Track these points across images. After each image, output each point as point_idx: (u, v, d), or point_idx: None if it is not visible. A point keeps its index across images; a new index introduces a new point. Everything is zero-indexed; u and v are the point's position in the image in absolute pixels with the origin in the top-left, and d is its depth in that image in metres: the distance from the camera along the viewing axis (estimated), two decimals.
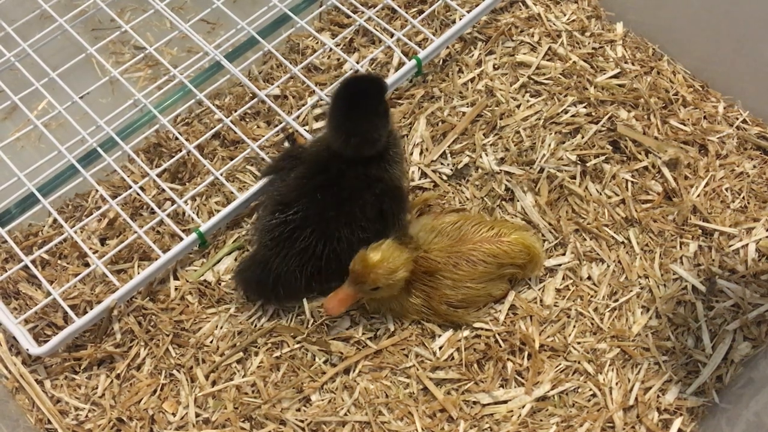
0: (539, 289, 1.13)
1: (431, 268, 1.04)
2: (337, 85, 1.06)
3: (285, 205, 1.05)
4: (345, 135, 1.03)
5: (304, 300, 1.11)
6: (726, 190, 1.22)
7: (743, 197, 1.22)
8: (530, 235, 1.11)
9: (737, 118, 1.30)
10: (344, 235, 1.04)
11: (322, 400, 1.06)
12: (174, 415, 1.06)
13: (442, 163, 1.24)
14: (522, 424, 1.03)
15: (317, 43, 1.40)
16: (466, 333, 1.09)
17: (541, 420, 1.03)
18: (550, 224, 1.18)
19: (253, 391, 1.07)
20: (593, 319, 1.11)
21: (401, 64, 1.31)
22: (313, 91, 1.29)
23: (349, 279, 1.00)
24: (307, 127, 1.26)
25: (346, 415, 1.04)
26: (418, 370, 1.06)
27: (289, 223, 1.04)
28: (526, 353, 1.08)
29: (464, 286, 1.05)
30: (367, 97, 1.03)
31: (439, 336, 1.09)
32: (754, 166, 1.25)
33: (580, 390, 1.06)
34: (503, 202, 1.21)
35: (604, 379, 1.06)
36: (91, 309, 1.09)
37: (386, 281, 0.99)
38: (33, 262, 1.14)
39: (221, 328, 1.12)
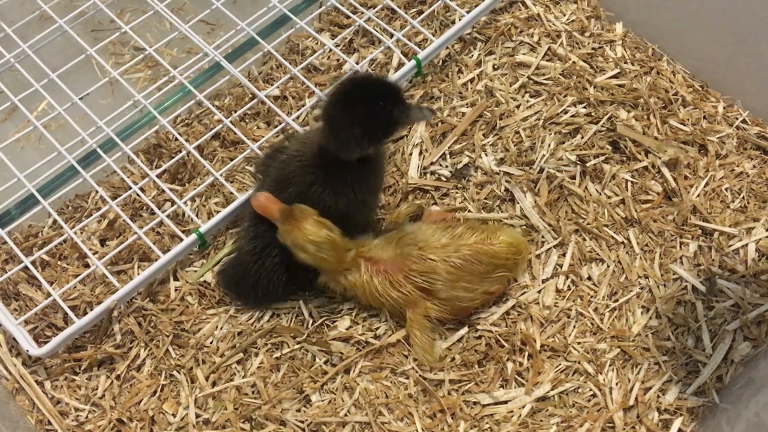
0: (539, 290, 1.13)
1: (426, 267, 1.04)
2: (356, 77, 1.05)
3: (258, 220, 1.06)
4: (338, 127, 0.99)
5: (301, 301, 1.11)
6: (726, 190, 1.22)
7: (743, 197, 1.22)
8: (517, 232, 1.12)
9: (737, 118, 1.30)
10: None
11: (323, 400, 1.06)
12: (174, 415, 1.06)
13: (441, 164, 1.24)
14: (522, 425, 1.03)
15: (317, 43, 1.40)
16: (467, 333, 1.09)
17: (541, 420, 1.03)
18: (549, 225, 1.18)
19: (253, 392, 1.07)
20: (593, 319, 1.11)
21: (401, 64, 1.31)
22: (313, 91, 1.29)
23: (280, 212, 1.01)
24: (307, 128, 1.26)
25: (346, 415, 1.04)
26: (417, 371, 1.06)
27: (262, 238, 1.07)
28: (526, 353, 1.08)
29: (460, 286, 1.05)
30: (383, 100, 0.98)
31: (440, 337, 1.09)
32: (754, 166, 1.25)
33: (580, 390, 1.06)
34: (503, 203, 1.21)
35: (604, 379, 1.06)
36: (91, 310, 1.09)
37: (295, 238, 1.00)
38: (33, 263, 1.14)
39: (221, 328, 1.12)
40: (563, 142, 1.25)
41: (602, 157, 1.24)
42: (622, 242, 1.17)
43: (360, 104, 0.97)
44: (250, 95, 1.33)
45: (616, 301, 1.13)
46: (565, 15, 1.42)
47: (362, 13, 1.40)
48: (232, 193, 1.19)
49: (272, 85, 1.33)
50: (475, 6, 1.35)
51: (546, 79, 1.32)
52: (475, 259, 1.04)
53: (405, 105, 0.99)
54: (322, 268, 1.05)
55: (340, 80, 1.04)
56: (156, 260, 1.13)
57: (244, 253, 1.10)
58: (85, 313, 1.10)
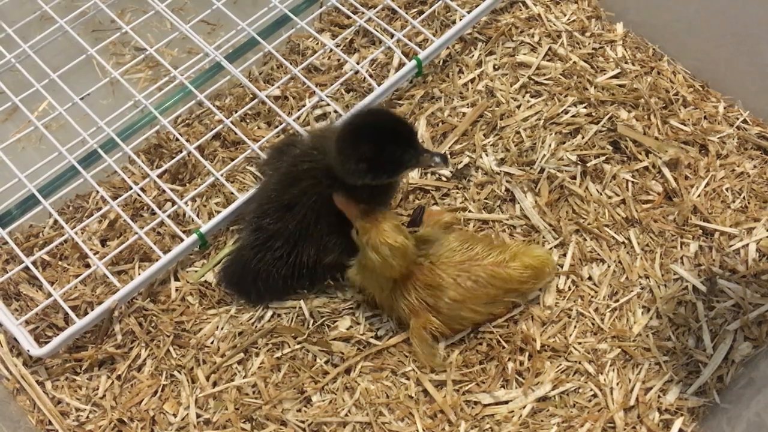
0: (540, 290, 1.13)
1: (434, 282, 1.02)
2: (375, 111, 1.05)
3: (262, 213, 1.08)
4: (345, 157, 0.98)
5: (302, 301, 1.11)
6: (726, 190, 1.22)
7: (744, 197, 1.22)
8: (533, 248, 1.08)
9: (737, 118, 1.30)
10: (310, 254, 1.07)
11: (323, 400, 1.06)
12: (175, 416, 1.06)
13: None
14: (523, 425, 1.03)
15: (317, 43, 1.40)
16: (468, 333, 1.09)
17: (541, 420, 1.03)
18: (550, 225, 1.18)
19: (253, 392, 1.07)
20: (594, 319, 1.11)
21: (401, 64, 1.31)
22: (314, 92, 1.29)
23: (361, 210, 1.01)
24: (308, 128, 1.26)
25: (347, 415, 1.04)
26: (417, 372, 1.06)
27: (264, 231, 1.07)
28: (527, 353, 1.08)
29: (466, 307, 1.04)
30: (395, 142, 0.97)
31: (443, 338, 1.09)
32: (755, 166, 1.25)
33: (580, 390, 1.06)
34: (503, 203, 1.21)
35: (604, 380, 1.06)
36: (92, 310, 1.09)
37: (372, 238, 0.98)
38: (34, 263, 1.14)
39: (222, 328, 1.12)
40: (564, 142, 1.25)
41: (603, 157, 1.24)
42: (623, 242, 1.17)
43: (370, 142, 0.97)
44: (251, 95, 1.33)
45: (617, 301, 1.13)
46: (565, 15, 1.42)
47: (363, 13, 1.40)
48: (232, 193, 1.19)
49: (273, 85, 1.33)
50: (476, 6, 1.35)
51: (546, 79, 1.32)
52: (488, 282, 1.03)
53: (417, 150, 0.98)
54: (385, 273, 1.02)
55: (360, 110, 1.04)
56: (157, 260, 1.13)
57: (244, 247, 1.10)
58: (86, 313, 1.10)
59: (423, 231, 1.09)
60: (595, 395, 1.06)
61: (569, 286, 1.14)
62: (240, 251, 1.12)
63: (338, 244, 1.07)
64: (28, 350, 1.06)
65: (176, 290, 1.15)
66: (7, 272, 1.14)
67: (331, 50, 1.36)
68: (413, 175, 1.23)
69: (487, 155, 1.25)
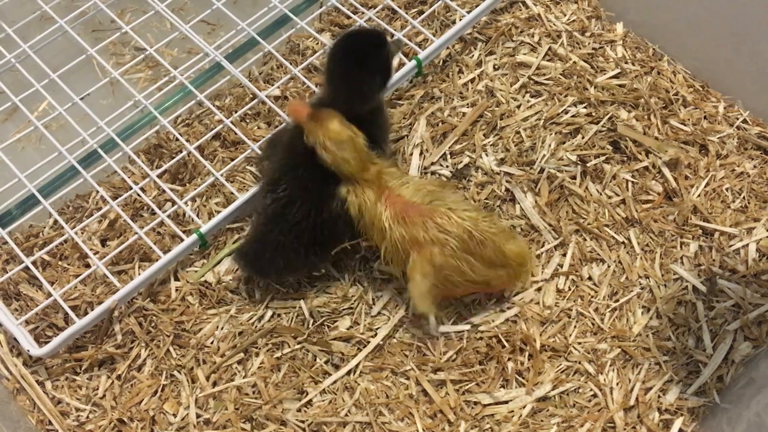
0: (540, 290, 1.13)
1: (447, 224, 1.01)
2: (338, 37, 1.09)
3: (273, 184, 1.08)
4: (336, 88, 1.06)
5: (302, 301, 1.11)
6: (726, 190, 1.22)
7: (744, 197, 1.22)
8: (524, 242, 1.11)
9: (737, 118, 1.30)
10: (329, 208, 1.06)
11: (323, 400, 1.06)
12: (175, 415, 1.06)
13: (441, 165, 1.24)
14: (523, 425, 1.03)
15: (317, 43, 1.40)
16: (468, 333, 1.09)
17: (541, 420, 1.03)
18: (550, 225, 1.18)
19: (253, 392, 1.07)
20: (594, 319, 1.11)
21: (401, 64, 1.31)
22: (314, 91, 1.29)
23: (308, 114, 1.04)
24: None
25: (347, 415, 1.04)
26: (416, 371, 1.06)
27: (279, 200, 1.07)
28: (527, 353, 1.08)
29: (464, 258, 1.02)
30: (361, 50, 1.06)
31: (442, 337, 1.09)
32: (755, 166, 1.25)
33: (580, 390, 1.06)
34: (503, 203, 1.21)
35: (604, 380, 1.06)
36: (92, 310, 1.09)
37: (319, 136, 1.02)
38: (34, 263, 1.14)
39: (222, 328, 1.12)
40: (564, 142, 1.25)
41: (603, 157, 1.24)
42: (623, 242, 1.17)
43: (370, 56, 1.06)
44: (251, 95, 1.33)
45: (617, 301, 1.13)
46: (565, 15, 1.42)
47: (363, 13, 1.40)
48: (232, 193, 1.19)
49: (273, 85, 1.33)
50: (476, 6, 1.35)
51: (546, 79, 1.32)
52: (487, 243, 1.02)
53: (388, 44, 1.08)
54: (343, 171, 1.04)
55: (333, 44, 1.08)
56: (157, 260, 1.13)
57: (260, 224, 1.10)
58: (86, 313, 1.10)
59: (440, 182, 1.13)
60: (595, 395, 1.06)
61: (569, 286, 1.14)
62: (256, 229, 1.12)
63: None
64: (28, 350, 1.06)
65: (176, 290, 1.15)
66: (7, 272, 1.14)
67: None
68: (414, 175, 1.23)
69: (487, 155, 1.25)
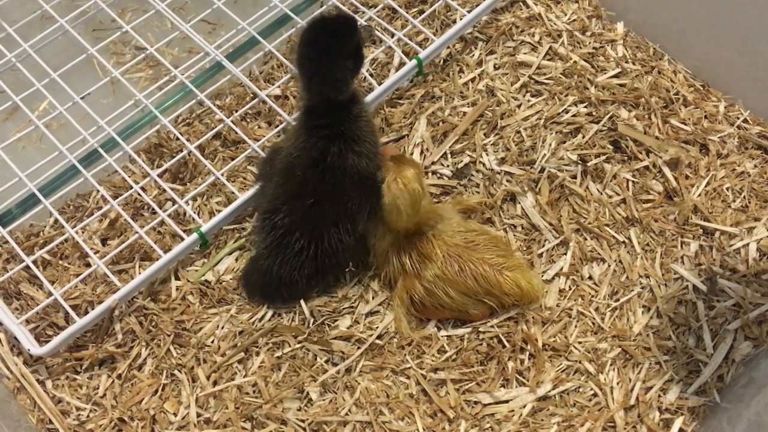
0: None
1: (427, 252, 1.05)
2: (307, 22, 1.07)
3: (272, 211, 1.08)
4: (308, 77, 1.03)
5: (302, 301, 1.11)
6: (727, 189, 1.22)
7: (744, 197, 1.22)
8: (533, 275, 1.10)
9: (738, 118, 1.30)
10: (332, 233, 1.07)
11: (323, 399, 1.06)
12: (175, 415, 1.06)
13: (442, 164, 1.24)
14: (523, 424, 1.03)
15: None
16: (469, 333, 1.09)
17: (542, 420, 1.03)
18: (550, 224, 1.18)
19: (254, 391, 1.07)
20: (594, 318, 1.11)
21: (402, 64, 1.31)
22: None
23: (395, 156, 1.07)
24: None
25: (347, 414, 1.04)
26: (417, 371, 1.06)
27: (278, 228, 1.07)
28: (527, 353, 1.08)
29: (444, 288, 1.05)
30: (330, 35, 1.03)
31: (442, 336, 1.09)
32: (755, 166, 1.25)
33: (581, 390, 1.06)
34: (504, 203, 1.21)
35: (605, 379, 1.06)
36: (93, 309, 1.09)
37: (390, 177, 1.02)
38: (34, 262, 1.14)
39: (222, 328, 1.12)
40: (564, 142, 1.25)
41: (603, 157, 1.24)
42: (623, 242, 1.17)
43: (340, 41, 1.03)
44: (251, 95, 1.33)
45: (617, 300, 1.13)
46: (566, 14, 1.42)
47: (363, 12, 1.40)
48: (233, 192, 1.19)
49: (273, 84, 1.33)
50: (476, 5, 1.35)
51: (547, 79, 1.32)
52: (473, 274, 1.05)
53: (358, 28, 1.07)
54: (390, 221, 1.05)
55: (301, 31, 1.06)
56: (157, 259, 1.13)
57: (261, 255, 1.10)
58: (87, 313, 1.10)
59: (440, 206, 1.13)
60: (595, 395, 1.06)
61: (570, 286, 1.14)
62: (257, 260, 1.12)
63: (364, 203, 1.06)
64: (29, 349, 1.06)
65: (177, 289, 1.15)
66: (8, 271, 1.14)
67: None
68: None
69: (487, 154, 1.25)
